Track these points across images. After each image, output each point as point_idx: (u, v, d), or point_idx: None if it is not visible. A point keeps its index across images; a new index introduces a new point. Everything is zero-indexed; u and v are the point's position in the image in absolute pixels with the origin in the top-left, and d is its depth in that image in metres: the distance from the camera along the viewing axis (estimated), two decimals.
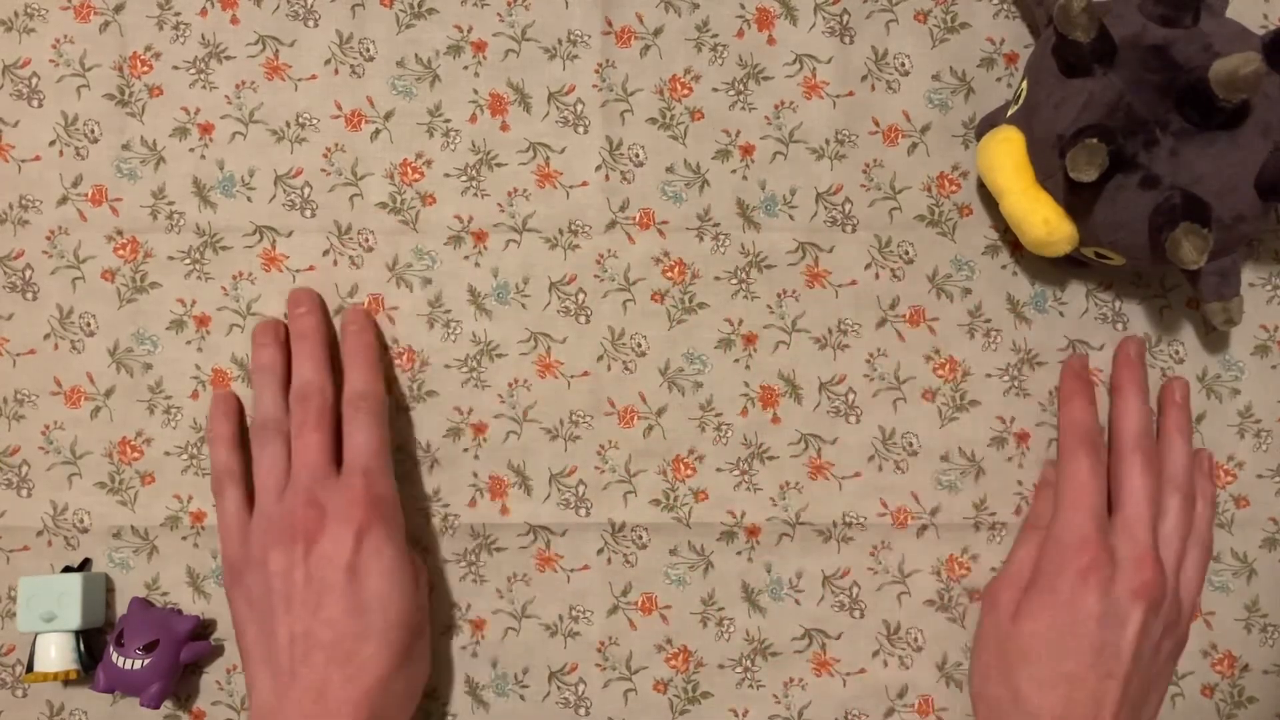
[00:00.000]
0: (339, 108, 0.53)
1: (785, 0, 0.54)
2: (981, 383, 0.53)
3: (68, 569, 0.51)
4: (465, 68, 0.53)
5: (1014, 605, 0.48)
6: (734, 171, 0.53)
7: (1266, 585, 0.52)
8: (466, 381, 0.53)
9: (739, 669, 0.52)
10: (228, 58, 0.53)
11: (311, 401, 0.48)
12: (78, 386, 0.52)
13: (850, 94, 0.53)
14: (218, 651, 0.51)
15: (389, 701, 0.45)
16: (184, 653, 0.49)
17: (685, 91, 0.53)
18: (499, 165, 0.53)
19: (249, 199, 0.53)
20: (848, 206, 0.53)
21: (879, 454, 0.52)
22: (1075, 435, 0.49)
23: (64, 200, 0.53)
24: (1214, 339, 0.53)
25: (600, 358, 0.53)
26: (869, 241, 0.53)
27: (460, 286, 0.53)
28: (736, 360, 0.53)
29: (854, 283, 0.53)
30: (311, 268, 0.53)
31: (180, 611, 0.51)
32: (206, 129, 0.53)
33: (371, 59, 0.53)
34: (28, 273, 0.53)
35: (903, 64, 0.53)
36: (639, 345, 0.53)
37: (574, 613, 0.52)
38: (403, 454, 0.52)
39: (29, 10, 0.53)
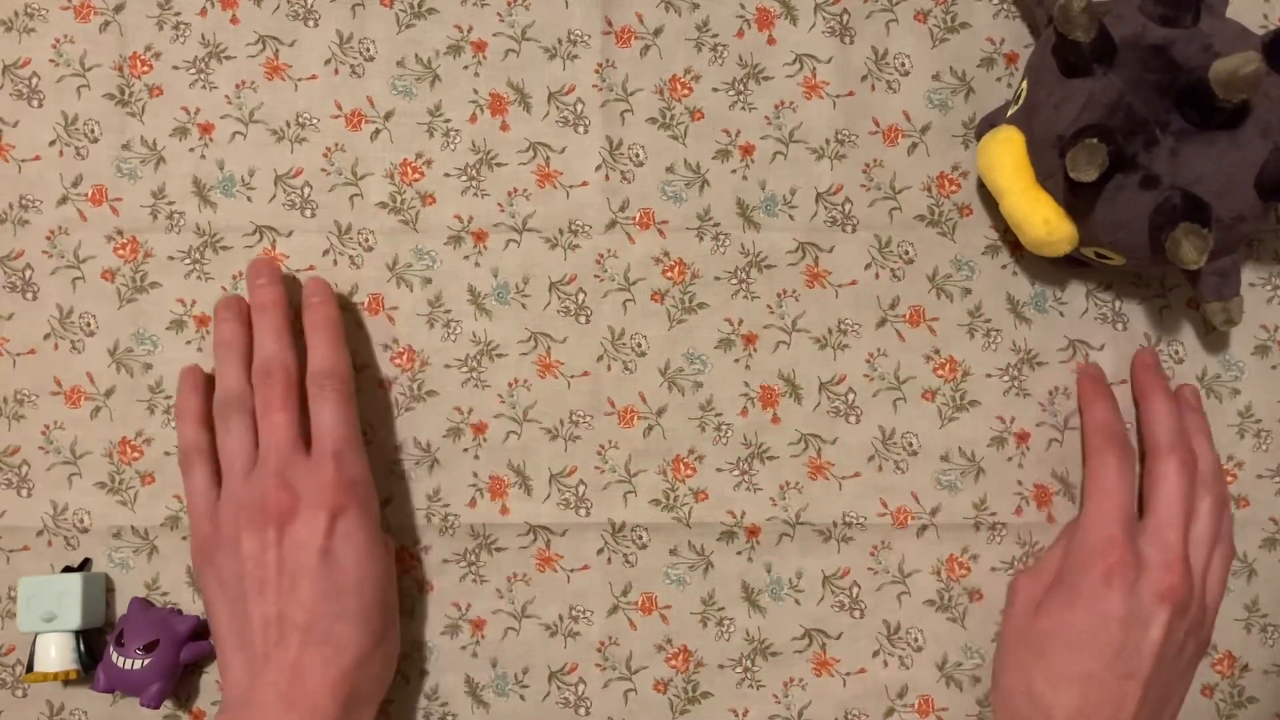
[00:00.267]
0: (339, 108, 0.53)
1: (785, 0, 0.54)
2: (981, 383, 0.53)
3: (68, 569, 0.51)
4: (465, 68, 0.53)
5: (1035, 601, 0.48)
6: (734, 171, 0.53)
7: (1266, 585, 0.52)
8: (466, 381, 0.53)
9: (739, 669, 0.52)
10: (228, 58, 0.53)
11: (275, 378, 0.47)
12: (78, 386, 0.52)
13: (850, 94, 0.53)
14: None
15: (365, 681, 0.45)
16: (184, 653, 0.49)
17: (685, 91, 0.53)
18: (499, 165, 0.53)
19: (249, 199, 0.53)
20: (848, 206, 0.53)
21: (879, 454, 0.52)
22: (1103, 436, 0.48)
23: (64, 200, 0.53)
24: (1214, 339, 0.53)
25: (600, 358, 0.53)
26: (869, 241, 0.53)
27: (460, 286, 0.53)
28: (736, 360, 0.53)
29: (854, 283, 0.53)
30: (312, 267, 0.53)
31: (180, 611, 0.51)
32: (206, 129, 0.53)
33: (371, 59, 0.53)
34: (28, 273, 0.53)
35: (903, 64, 0.53)
36: (639, 345, 0.53)
37: (574, 613, 0.52)
38: (402, 454, 0.52)
39: (29, 10, 0.53)
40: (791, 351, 0.53)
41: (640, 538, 0.52)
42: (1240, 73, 0.40)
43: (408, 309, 0.53)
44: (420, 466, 0.52)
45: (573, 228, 0.53)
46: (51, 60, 0.53)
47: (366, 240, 0.53)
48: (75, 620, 0.49)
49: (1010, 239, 0.53)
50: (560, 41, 0.53)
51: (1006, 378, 0.53)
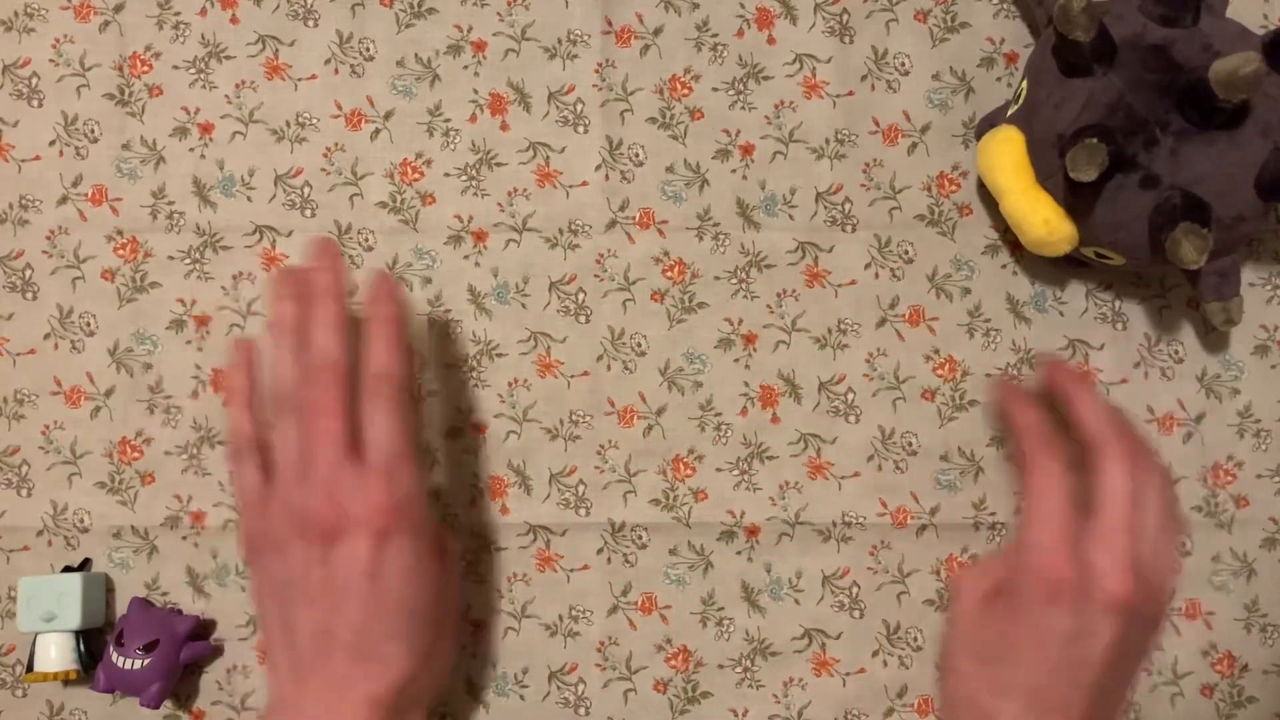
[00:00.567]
0: (339, 107, 0.53)
1: (785, 0, 0.54)
2: (981, 382, 0.53)
3: (68, 569, 0.51)
4: (465, 67, 0.53)
5: (978, 603, 0.45)
6: (734, 171, 0.53)
7: (1266, 585, 0.52)
8: (466, 381, 0.53)
9: (739, 669, 0.52)
10: (228, 57, 0.53)
11: (324, 377, 0.44)
12: (78, 386, 0.52)
13: (850, 94, 0.53)
14: (218, 651, 0.51)
15: (412, 695, 0.44)
16: (184, 653, 0.49)
17: (685, 91, 0.53)
18: (499, 165, 0.53)
19: (249, 199, 0.53)
20: (848, 206, 0.53)
21: (878, 454, 0.52)
22: (1034, 440, 0.45)
23: (64, 200, 0.53)
24: (1214, 339, 0.53)
25: (600, 357, 0.53)
26: (869, 241, 0.53)
27: (460, 286, 0.53)
28: (736, 360, 0.53)
29: (854, 282, 0.53)
30: None
31: (180, 611, 0.51)
32: (206, 129, 0.53)
33: (371, 59, 0.53)
34: (28, 273, 0.53)
35: (903, 64, 0.53)
36: (639, 345, 0.53)
37: (574, 613, 0.52)
38: None
39: (29, 10, 0.53)
40: (791, 351, 0.53)
41: (640, 538, 0.52)
42: (1240, 73, 0.40)
43: (410, 308, 0.53)
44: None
45: (573, 227, 0.53)
46: (51, 60, 0.53)
47: (366, 240, 0.53)
48: (75, 620, 0.49)
49: (1010, 239, 0.53)
50: (560, 41, 0.53)
51: (1006, 377, 0.53)
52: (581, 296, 0.53)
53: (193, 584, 0.52)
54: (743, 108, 0.53)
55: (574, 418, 0.52)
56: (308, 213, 0.53)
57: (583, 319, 0.53)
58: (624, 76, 0.53)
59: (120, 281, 0.53)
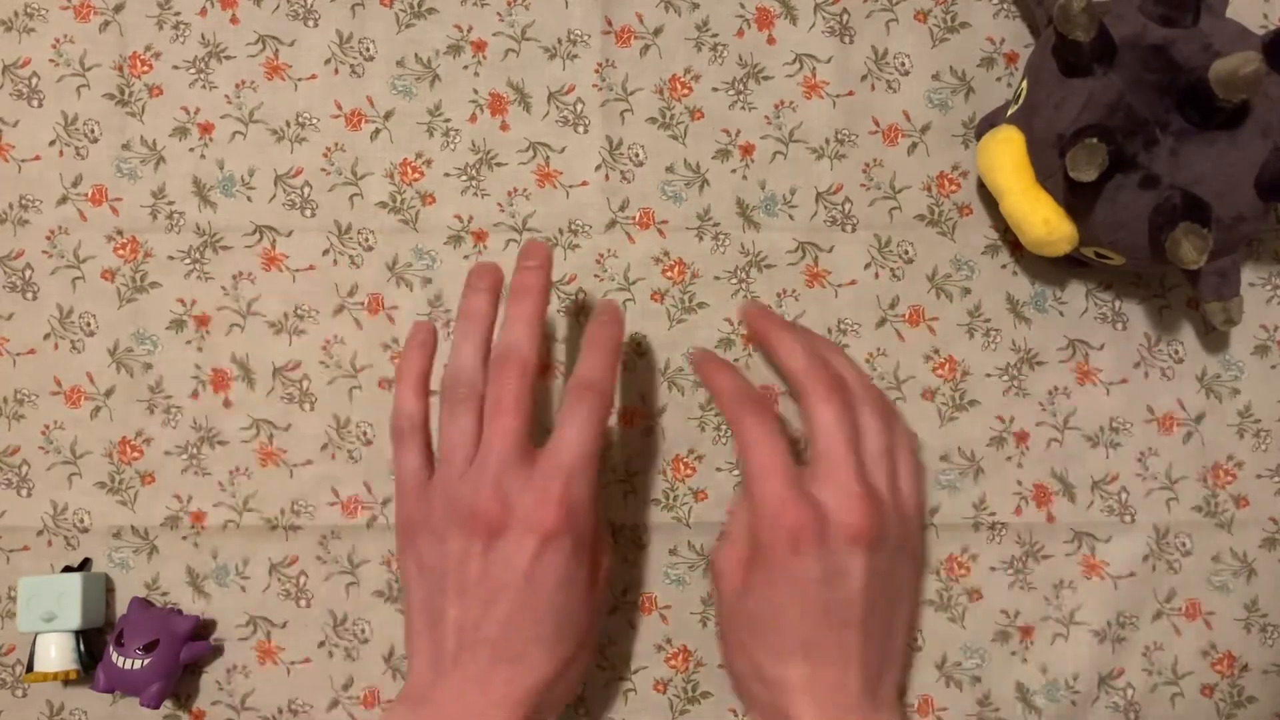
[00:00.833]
0: (339, 107, 0.53)
1: (785, 0, 0.54)
2: (981, 382, 0.53)
3: (68, 569, 0.51)
4: (465, 67, 0.53)
5: (738, 579, 0.45)
6: (734, 171, 0.53)
7: (1266, 585, 0.52)
8: None
9: None
10: (228, 57, 0.53)
11: (511, 371, 0.43)
12: (78, 386, 0.52)
13: (850, 94, 0.53)
14: (218, 651, 0.52)
15: (547, 701, 0.44)
16: (184, 653, 0.49)
17: (685, 91, 0.53)
18: (499, 165, 0.53)
19: (249, 199, 0.53)
20: (848, 206, 0.53)
21: None
22: (734, 401, 0.45)
23: (64, 200, 0.53)
24: (1214, 339, 0.53)
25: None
26: (869, 241, 0.53)
27: (460, 286, 0.52)
28: (736, 360, 0.53)
29: (854, 282, 0.53)
30: (311, 267, 0.53)
31: (180, 611, 0.51)
32: (206, 129, 0.53)
33: (371, 59, 0.53)
34: (28, 273, 0.53)
35: (903, 64, 0.53)
36: (639, 345, 0.53)
37: None
38: None
39: (29, 10, 0.53)
40: None
41: (640, 538, 0.52)
42: (1240, 73, 0.40)
43: (408, 309, 0.53)
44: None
45: (573, 227, 0.53)
46: (51, 60, 0.53)
47: (366, 240, 0.53)
48: (75, 620, 0.49)
49: (1010, 239, 0.53)
50: (560, 41, 0.53)
51: (1006, 377, 0.53)
52: (582, 296, 0.53)
53: (193, 584, 0.52)
54: (743, 108, 0.53)
55: None
56: (308, 213, 0.53)
57: (583, 319, 0.53)
58: (624, 76, 0.53)
59: (120, 281, 0.53)
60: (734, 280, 0.53)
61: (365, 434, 0.52)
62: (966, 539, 0.52)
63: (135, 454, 0.52)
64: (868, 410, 0.45)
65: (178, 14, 0.53)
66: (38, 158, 0.53)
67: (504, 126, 0.53)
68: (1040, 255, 0.49)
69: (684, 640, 0.52)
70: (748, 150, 0.53)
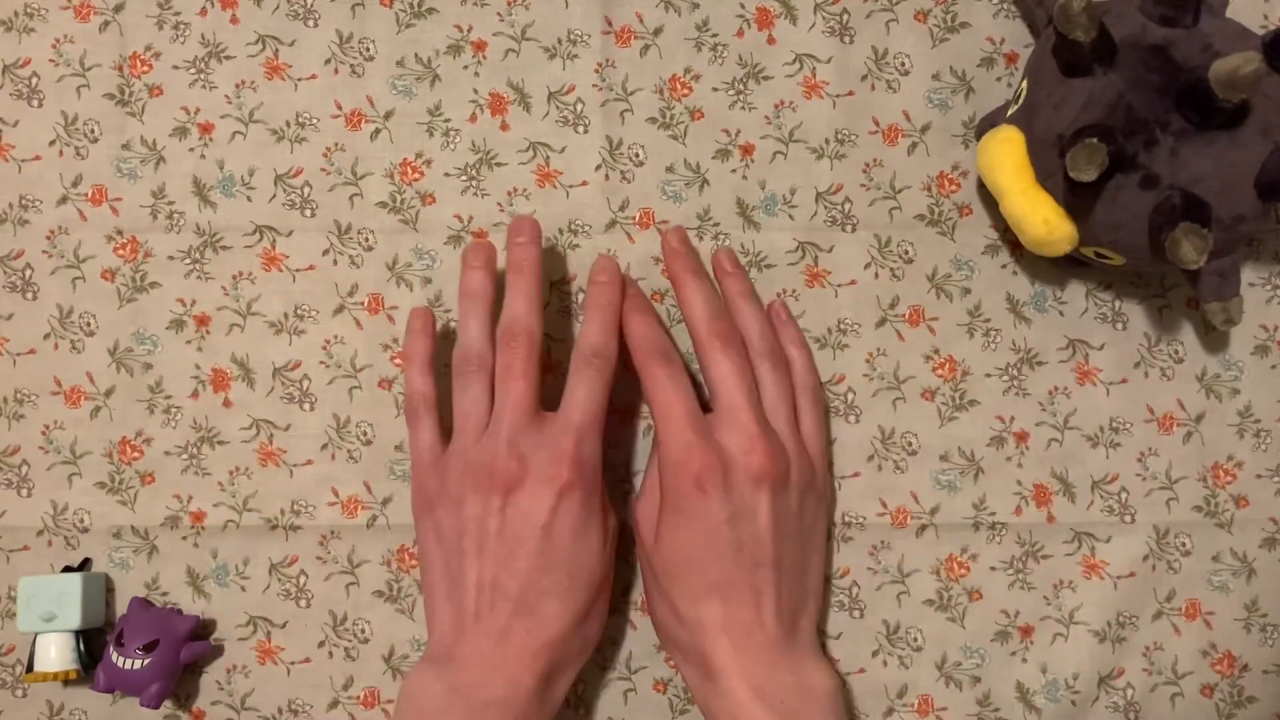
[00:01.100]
0: (339, 107, 0.53)
1: (785, 0, 0.54)
2: (981, 382, 0.53)
3: (68, 569, 0.51)
4: (465, 67, 0.53)
5: (653, 528, 0.47)
6: (734, 171, 0.53)
7: (1266, 585, 0.52)
8: None
9: None
10: (228, 57, 0.53)
11: (519, 342, 0.47)
12: (78, 386, 0.52)
13: (850, 94, 0.53)
14: (218, 651, 0.52)
15: (564, 654, 0.46)
16: (184, 653, 0.49)
17: (685, 91, 0.53)
18: (499, 165, 0.53)
19: (249, 199, 0.53)
20: (848, 206, 0.53)
21: (878, 454, 0.52)
22: (642, 350, 0.48)
23: (64, 200, 0.53)
24: (1214, 339, 0.53)
25: None
26: (869, 241, 0.53)
27: None
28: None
29: (854, 282, 0.53)
30: (312, 267, 0.53)
31: (180, 611, 0.51)
32: (206, 129, 0.53)
33: (371, 59, 0.53)
34: (28, 273, 0.53)
35: (903, 64, 0.53)
36: None
37: None
38: (403, 453, 0.52)
39: (29, 10, 0.53)
40: None
41: None
42: (1240, 73, 0.40)
43: (408, 309, 0.52)
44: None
45: (573, 227, 0.53)
46: (51, 60, 0.53)
47: (366, 240, 0.53)
48: (75, 620, 0.49)
49: (1010, 239, 0.53)
50: (560, 41, 0.53)
51: (1006, 377, 0.53)
52: (581, 297, 0.53)
53: (193, 584, 0.52)
54: (743, 108, 0.53)
55: None
56: (308, 213, 0.53)
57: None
58: (624, 76, 0.53)
59: (120, 281, 0.53)
60: None
61: (365, 434, 0.52)
62: (966, 539, 0.52)
63: (135, 454, 0.52)
64: (766, 363, 0.48)
65: (178, 14, 0.53)
66: (38, 158, 0.53)
67: (504, 126, 0.53)
68: (1040, 255, 0.49)
69: None
70: (748, 150, 0.53)
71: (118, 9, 0.53)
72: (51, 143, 0.53)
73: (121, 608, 0.51)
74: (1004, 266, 0.53)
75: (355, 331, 0.53)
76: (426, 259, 0.53)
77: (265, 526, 0.52)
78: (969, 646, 0.52)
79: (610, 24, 0.53)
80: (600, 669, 0.52)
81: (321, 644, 0.52)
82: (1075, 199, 0.45)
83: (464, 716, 0.43)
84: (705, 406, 0.48)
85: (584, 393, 0.46)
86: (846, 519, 0.52)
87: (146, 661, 0.48)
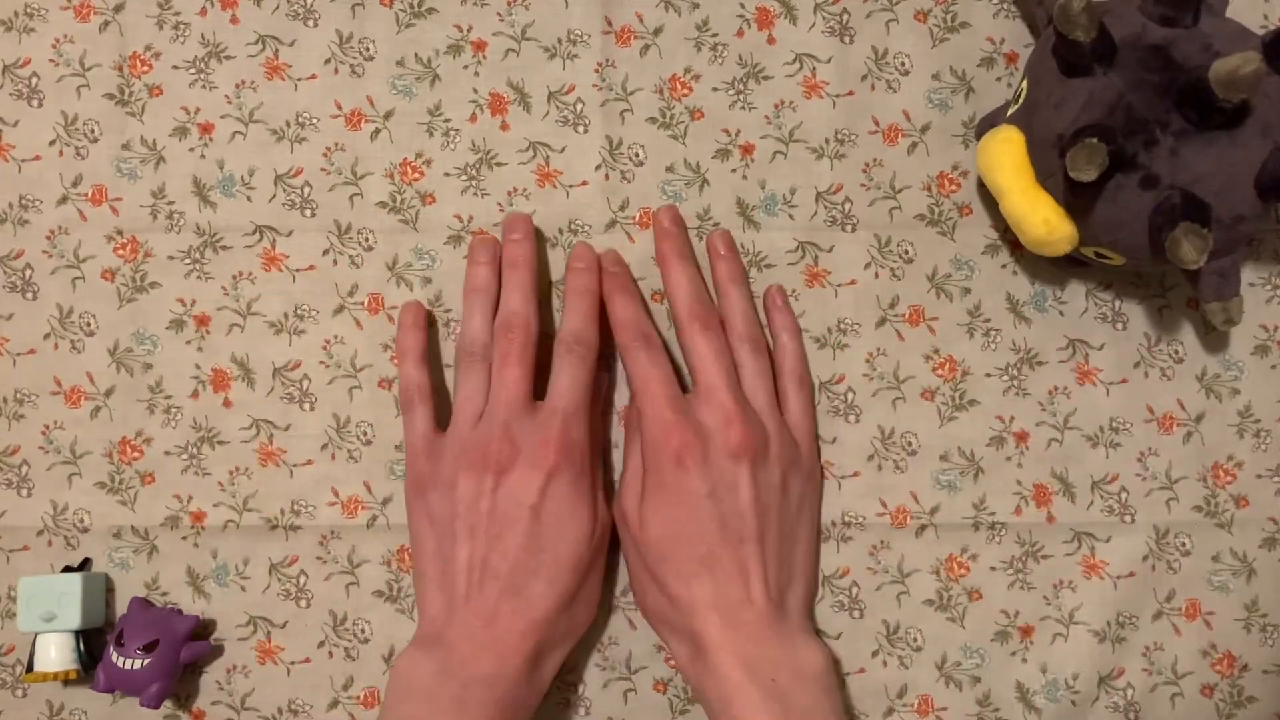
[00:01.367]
0: (339, 107, 0.53)
1: (785, 0, 0.54)
2: (981, 382, 0.53)
3: (68, 569, 0.51)
4: (465, 67, 0.53)
5: (637, 513, 0.48)
6: (734, 171, 0.53)
7: (1266, 585, 0.52)
8: None
9: None
10: (228, 57, 0.53)
11: (515, 334, 0.48)
12: (78, 386, 0.52)
13: (850, 94, 0.53)
14: (218, 651, 0.52)
15: (551, 636, 0.47)
16: (184, 653, 0.49)
17: (685, 91, 0.53)
18: (499, 165, 0.53)
19: (249, 199, 0.53)
20: (848, 206, 0.53)
21: (878, 453, 0.52)
22: (624, 333, 0.49)
23: (64, 200, 0.53)
24: (1214, 339, 0.53)
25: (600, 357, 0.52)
26: (869, 241, 0.53)
27: (460, 286, 0.52)
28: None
29: (854, 282, 0.53)
30: (311, 267, 0.53)
31: (180, 611, 0.51)
32: (206, 129, 0.53)
33: (371, 59, 0.53)
34: (28, 273, 0.53)
35: (903, 64, 0.53)
36: None
37: None
38: (404, 453, 0.52)
39: (29, 10, 0.53)
40: None
41: None
42: (1240, 73, 0.40)
43: None
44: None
45: (573, 227, 0.53)
46: (51, 60, 0.53)
47: (366, 240, 0.53)
48: (75, 620, 0.49)
49: (1010, 239, 0.53)
50: (560, 41, 0.53)
51: (1006, 377, 0.53)
52: None
53: (193, 584, 0.52)
54: (743, 108, 0.53)
55: None
56: (308, 212, 0.53)
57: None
58: (624, 76, 0.53)
59: (120, 281, 0.53)
60: None
61: (365, 434, 0.52)
62: (966, 539, 0.52)
63: (135, 454, 0.52)
64: (746, 347, 0.50)
65: (178, 14, 0.53)
66: (38, 158, 0.53)
67: (504, 126, 0.53)
68: (1040, 255, 0.49)
69: None
70: (748, 150, 0.53)
71: (118, 9, 0.53)
72: (51, 143, 0.53)
73: (121, 608, 0.51)
74: (1004, 266, 0.53)
75: (355, 331, 0.53)
76: (426, 259, 0.53)
77: (265, 526, 0.52)
78: (969, 646, 0.52)
79: (610, 24, 0.53)
80: (600, 669, 0.52)
81: (321, 644, 0.52)
82: (1075, 199, 0.45)
83: (453, 695, 0.44)
84: (688, 389, 0.49)
85: (567, 380, 0.48)
86: (846, 519, 0.52)
87: (146, 661, 0.48)
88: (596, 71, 0.53)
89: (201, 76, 0.53)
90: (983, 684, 0.52)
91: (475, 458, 0.47)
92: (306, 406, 0.52)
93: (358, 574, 0.52)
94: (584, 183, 0.53)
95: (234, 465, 0.52)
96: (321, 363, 0.52)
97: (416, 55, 0.53)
